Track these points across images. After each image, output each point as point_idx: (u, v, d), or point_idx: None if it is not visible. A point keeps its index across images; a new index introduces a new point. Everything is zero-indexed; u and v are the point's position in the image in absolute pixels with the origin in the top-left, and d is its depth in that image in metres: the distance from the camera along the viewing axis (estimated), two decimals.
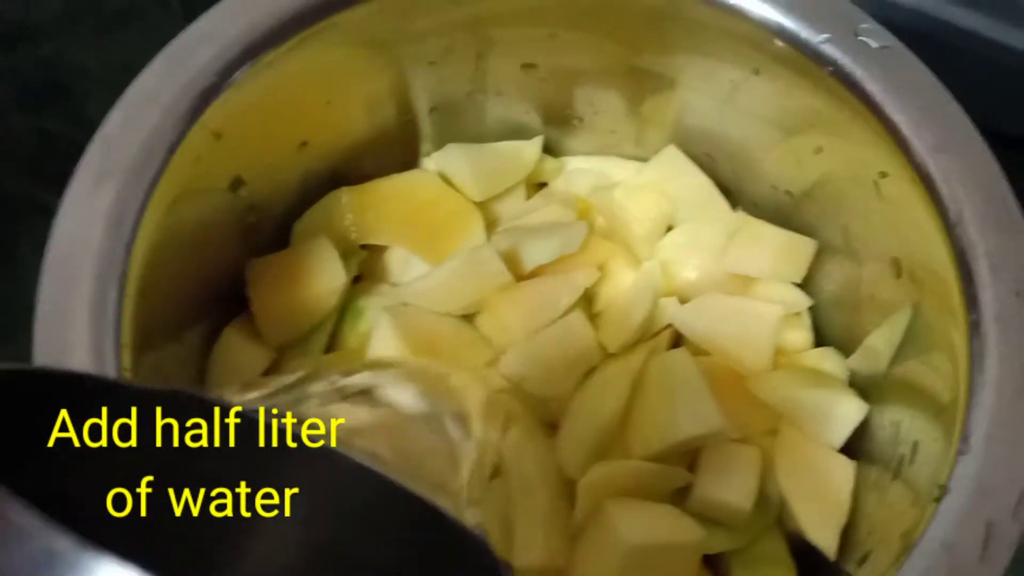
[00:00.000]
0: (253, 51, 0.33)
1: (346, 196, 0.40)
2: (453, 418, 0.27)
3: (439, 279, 0.38)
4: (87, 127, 0.31)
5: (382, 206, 0.40)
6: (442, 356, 0.37)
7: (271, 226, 0.40)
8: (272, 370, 0.38)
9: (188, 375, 0.36)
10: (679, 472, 0.36)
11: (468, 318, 0.39)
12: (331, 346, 0.39)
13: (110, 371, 0.28)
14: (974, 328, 0.30)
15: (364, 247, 0.41)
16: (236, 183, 0.36)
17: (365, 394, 0.27)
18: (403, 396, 0.27)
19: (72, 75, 0.51)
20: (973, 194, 0.31)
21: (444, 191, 0.41)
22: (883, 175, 0.34)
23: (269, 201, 0.39)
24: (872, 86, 0.33)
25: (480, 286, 0.38)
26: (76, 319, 0.28)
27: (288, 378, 0.25)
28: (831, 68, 0.34)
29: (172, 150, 0.31)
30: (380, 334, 0.37)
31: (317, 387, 0.25)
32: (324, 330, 0.38)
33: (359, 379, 0.27)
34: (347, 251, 0.40)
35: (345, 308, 0.39)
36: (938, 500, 0.28)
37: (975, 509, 0.27)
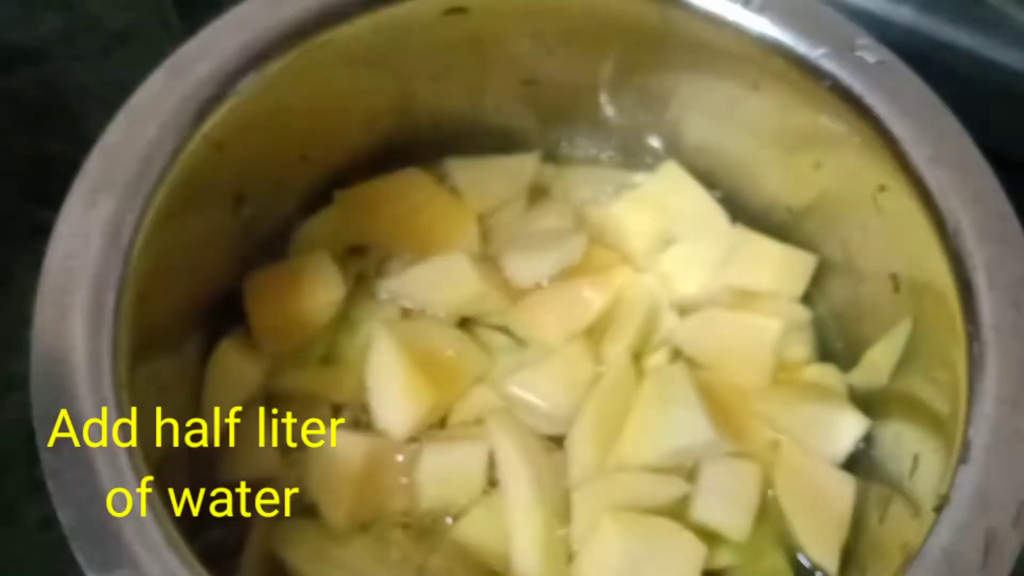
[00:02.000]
0: (253, 63, 0.33)
1: (340, 196, 0.40)
2: None
3: (421, 282, 0.39)
4: (87, 147, 0.31)
5: (375, 206, 0.40)
6: (441, 367, 0.37)
7: (270, 237, 0.40)
8: (268, 382, 0.38)
9: (185, 386, 0.36)
10: (675, 482, 0.35)
11: (467, 326, 0.39)
12: (327, 358, 0.39)
13: (106, 380, 0.28)
14: (973, 339, 0.30)
15: (358, 250, 0.40)
16: (236, 194, 0.37)
17: None
18: None
19: (72, 95, 0.51)
20: (970, 206, 0.31)
21: (437, 193, 0.41)
22: (881, 188, 0.34)
23: (268, 212, 0.39)
24: (870, 100, 0.33)
25: (457, 294, 0.38)
26: (73, 327, 0.28)
27: None
28: (829, 83, 0.34)
29: (172, 160, 0.31)
30: (379, 347, 0.37)
31: None
32: (321, 342, 0.38)
33: None
34: (344, 257, 0.40)
35: (341, 319, 0.39)
36: (938, 510, 0.28)
37: (976, 518, 0.27)
